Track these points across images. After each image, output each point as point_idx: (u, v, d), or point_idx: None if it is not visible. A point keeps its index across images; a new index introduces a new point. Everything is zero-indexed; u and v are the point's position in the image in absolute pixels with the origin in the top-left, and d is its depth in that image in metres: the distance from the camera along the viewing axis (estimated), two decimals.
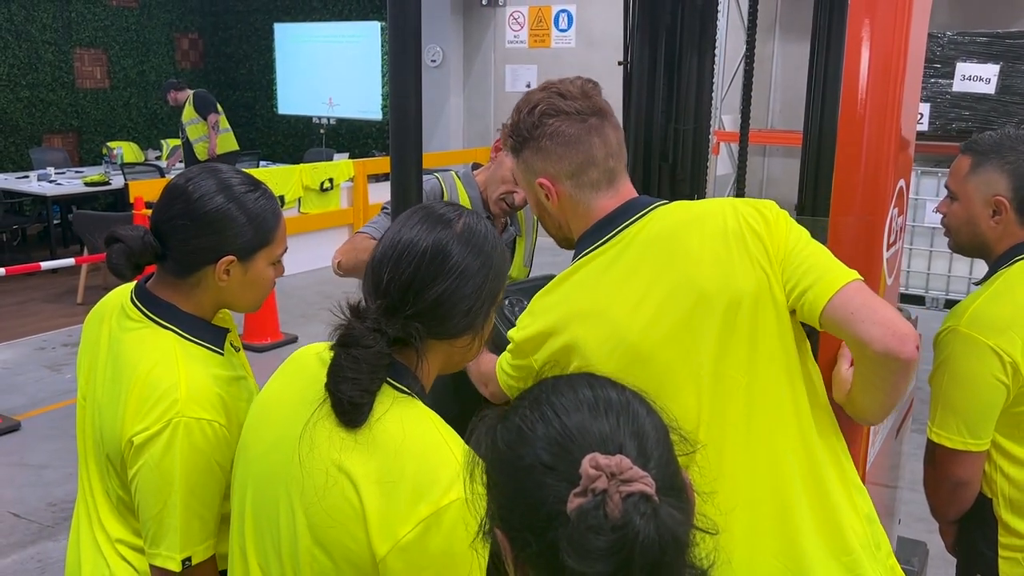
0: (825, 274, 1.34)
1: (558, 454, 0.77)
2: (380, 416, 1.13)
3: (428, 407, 1.19)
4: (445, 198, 2.38)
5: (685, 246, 1.38)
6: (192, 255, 1.46)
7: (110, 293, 1.61)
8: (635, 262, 1.40)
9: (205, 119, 8.60)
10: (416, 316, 1.17)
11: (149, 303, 1.50)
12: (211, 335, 1.52)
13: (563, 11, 9.42)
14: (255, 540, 1.23)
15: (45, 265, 5.59)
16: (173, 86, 8.90)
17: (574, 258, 1.45)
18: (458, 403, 2.23)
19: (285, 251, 1.55)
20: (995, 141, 1.79)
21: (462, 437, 1.13)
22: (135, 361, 1.45)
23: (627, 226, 1.42)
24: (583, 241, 1.46)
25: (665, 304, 1.36)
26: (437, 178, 2.42)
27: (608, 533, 0.71)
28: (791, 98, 8.09)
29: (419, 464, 1.10)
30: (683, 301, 1.35)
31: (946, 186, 1.88)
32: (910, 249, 7.00)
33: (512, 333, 1.50)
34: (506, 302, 2.15)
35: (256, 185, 1.52)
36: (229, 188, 1.47)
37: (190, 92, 8.79)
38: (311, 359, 1.26)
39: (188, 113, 8.65)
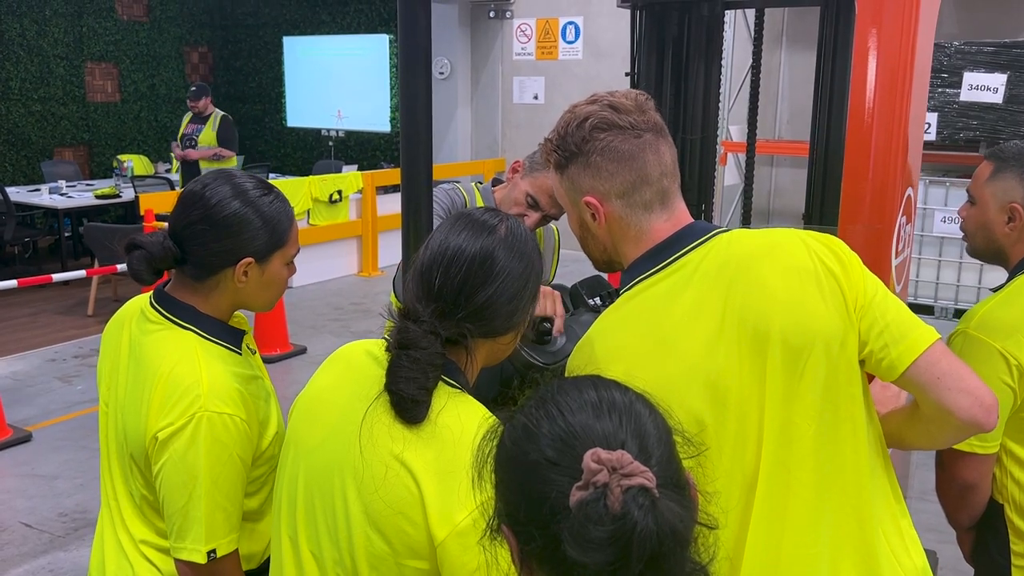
0: (910, 332, 1.29)
1: (562, 450, 0.80)
2: (438, 411, 1.21)
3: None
4: (466, 203, 2.40)
5: (758, 279, 1.29)
6: (212, 258, 1.52)
7: (128, 302, 1.66)
8: (704, 292, 1.30)
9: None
10: (467, 318, 1.24)
11: (169, 306, 1.55)
12: (229, 335, 1.58)
13: (570, 23, 9.46)
14: (307, 528, 1.28)
15: (56, 277, 5.62)
16: (206, 92, 8.46)
17: (624, 284, 1.37)
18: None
19: (298, 251, 1.61)
20: (1019, 150, 1.81)
21: None
22: (157, 361, 1.49)
23: (687, 252, 1.33)
24: (637, 266, 1.36)
25: (740, 340, 1.27)
26: (459, 188, 2.44)
27: (607, 524, 0.73)
28: (798, 108, 8.10)
29: (468, 452, 1.14)
30: (756, 338, 1.26)
31: (967, 190, 1.89)
32: (919, 259, 6.98)
33: (572, 364, 1.39)
34: None
35: (269, 189, 1.57)
36: (244, 193, 1.52)
37: (219, 113, 8.38)
38: (360, 356, 1.33)
39: (208, 137, 8.34)
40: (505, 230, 1.29)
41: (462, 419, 1.21)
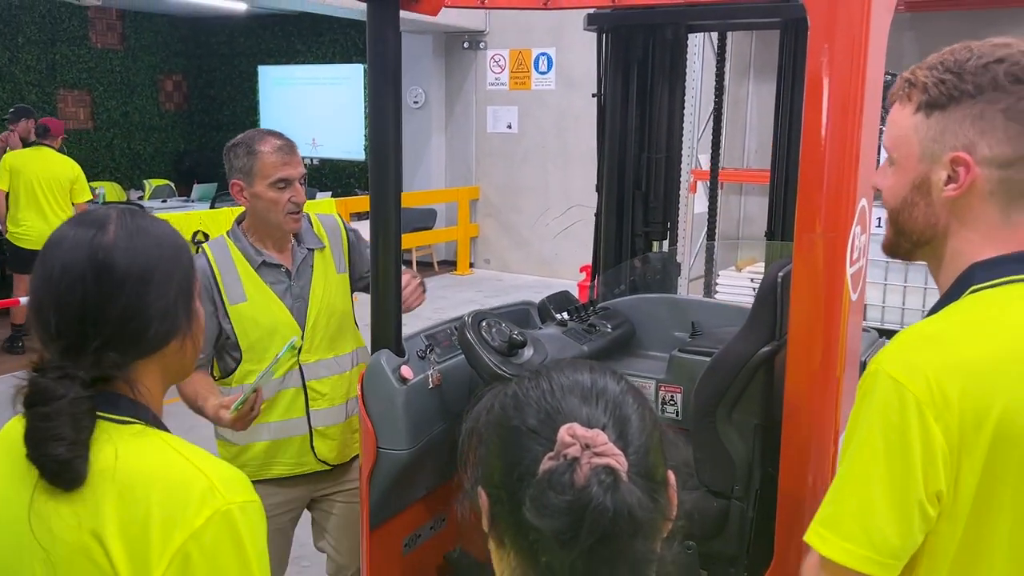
0: None
1: (544, 421, 0.82)
2: (106, 459, 1.02)
3: (166, 430, 1.10)
4: (215, 270, 2.27)
5: None
6: None
7: None
8: None
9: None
10: (105, 347, 1.04)
11: None
12: None
13: (543, 54, 9.60)
14: None
15: (24, 300, 5.56)
16: (26, 115, 7.33)
17: (971, 282, 1.15)
18: (447, 409, 2.25)
19: None
20: None
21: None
22: None
23: None
24: (998, 265, 1.13)
25: None
26: (206, 251, 2.32)
27: (566, 494, 0.76)
28: (766, 138, 8.24)
29: (162, 491, 1.01)
30: None
31: None
32: (885, 285, 7.09)
33: (908, 360, 1.10)
34: (483, 323, 2.19)
35: None
36: None
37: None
38: (15, 433, 1.06)
39: None
40: (116, 226, 1.07)
41: (141, 457, 1.03)
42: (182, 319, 1.12)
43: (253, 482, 2.42)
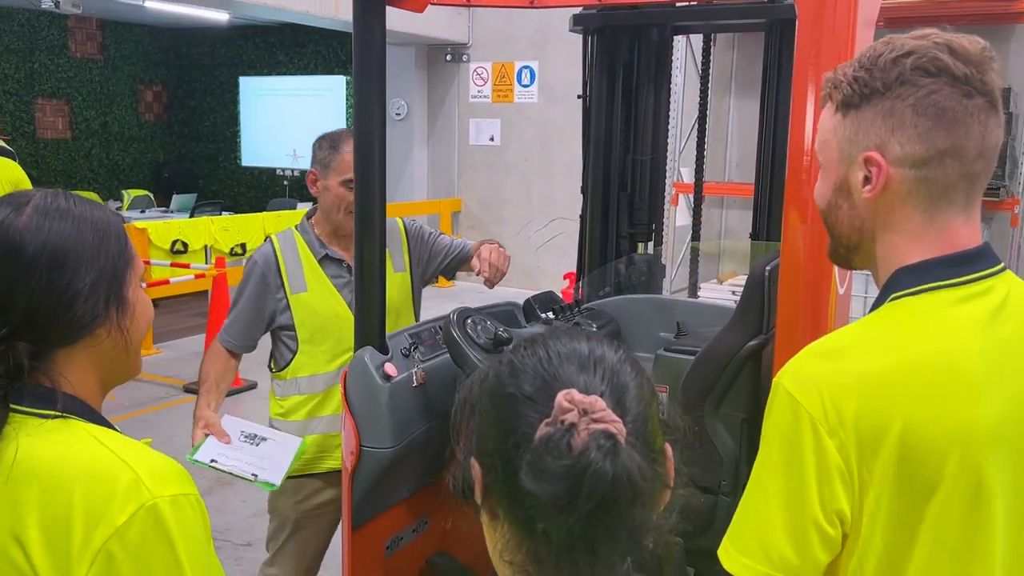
0: None
1: (540, 388, 0.81)
2: (20, 457, 0.97)
3: (104, 423, 1.05)
4: (279, 258, 2.36)
5: None
6: None
7: None
8: (1019, 334, 1.06)
9: None
10: (15, 333, 0.99)
11: None
12: None
13: (526, 67, 9.65)
14: None
15: None
16: None
17: (893, 289, 1.09)
18: (431, 408, 2.23)
19: None
20: None
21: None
22: None
23: (991, 276, 1.08)
24: (923, 271, 1.07)
25: None
26: (273, 240, 2.41)
27: (565, 458, 0.75)
28: (747, 152, 8.32)
29: (85, 487, 0.96)
30: None
31: None
32: (865, 298, 7.14)
33: (811, 371, 1.06)
34: (468, 320, 2.17)
35: None
36: None
37: None
38: None
39: None
40: (32, 208, 1.02)
41: (65, 452, 0.98)
42: (105, 307, 1.04)
43: (303, 477, 2.45)
